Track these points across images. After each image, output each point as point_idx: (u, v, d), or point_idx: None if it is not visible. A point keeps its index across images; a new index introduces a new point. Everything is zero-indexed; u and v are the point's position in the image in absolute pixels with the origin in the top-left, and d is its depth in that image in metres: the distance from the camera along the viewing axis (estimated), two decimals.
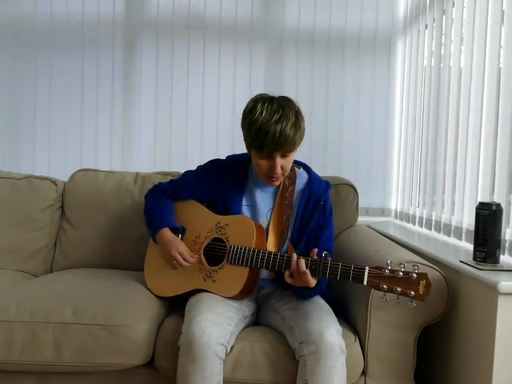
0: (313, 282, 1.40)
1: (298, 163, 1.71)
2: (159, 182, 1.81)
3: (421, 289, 1.30)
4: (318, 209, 1.60)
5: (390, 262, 1.34)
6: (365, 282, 1.34)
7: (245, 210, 1.64)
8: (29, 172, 2.38)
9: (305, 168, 1.72)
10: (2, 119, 2.69)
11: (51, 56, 2.66)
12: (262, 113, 1.46)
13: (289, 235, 1.59)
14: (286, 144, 1.47)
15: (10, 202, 2.09)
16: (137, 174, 2.18)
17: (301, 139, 1.53)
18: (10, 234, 2.06)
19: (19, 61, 2.67)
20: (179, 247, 1.59)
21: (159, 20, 2.65)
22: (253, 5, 2.64)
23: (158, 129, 2.68)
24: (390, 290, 1.32)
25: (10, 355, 1.47)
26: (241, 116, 1.56)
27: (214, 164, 1.72)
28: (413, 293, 1.30)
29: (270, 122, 1.44)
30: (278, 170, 1.51)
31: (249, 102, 1.55)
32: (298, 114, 1.50)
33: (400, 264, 1.33)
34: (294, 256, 1.41)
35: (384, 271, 1.33)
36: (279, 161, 1.50)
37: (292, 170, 1.62)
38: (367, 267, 1.34)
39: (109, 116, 2.68)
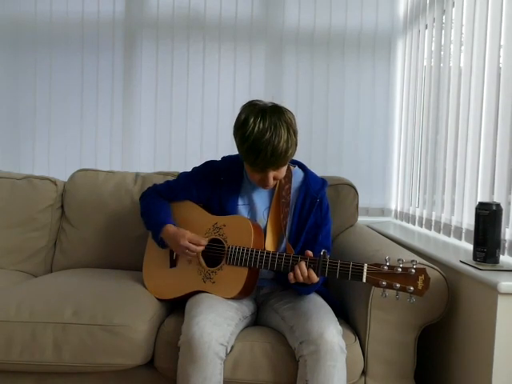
0: (317, 278, 1.42)
1: (293, 162, 1.70)
2: (154, 184, 1.80)
3: (420, 284, 1.30)
4: (315, 206, 1.60)
5: (389, 258, 1.35)
6: (364, 279, 1.34)
7: (241, 209, 1.64)
8: (29, 172, 2.39)
9: (300, 166, 1.72)
10: (2, 119, 2.69)
11: (51, 56, 2.66)
12: (253, 129, 1.42)
13: (286, 234, 1.59)
14: (278, 161, 1.46)
15: (10, 201, 2.09)
16: (137, 174, 2.17)
17: (293, 154, 1.51)
18: (10, 234, 2.06)
19: (19, 61, 2.67)
20: (186, 234, 1.57)
21: (159, 20, 2.65)
22: (253, 5, 2.64)
23: (157, 129, 2.68)
24: (390, 287, 1.32)
25: (10, 355, 1.47)
26: None
27: (210, 165, 1.72)
28: (412, 288, 1.30)
29: (262, 141, 1.41)
30: (271, 182, 1.52)
31: (240, 113, 1.49)
32: (290, 128, 1.45)
33: (398, 260, 1.33)
34: (297, 268, 1.41)
35: (383, 268, 1.33)
36: (271, 174, 1.50)
37: (288, 168, 1.61)
38: (366, 264, 1.35)
39: (109, 116, 2.68)
